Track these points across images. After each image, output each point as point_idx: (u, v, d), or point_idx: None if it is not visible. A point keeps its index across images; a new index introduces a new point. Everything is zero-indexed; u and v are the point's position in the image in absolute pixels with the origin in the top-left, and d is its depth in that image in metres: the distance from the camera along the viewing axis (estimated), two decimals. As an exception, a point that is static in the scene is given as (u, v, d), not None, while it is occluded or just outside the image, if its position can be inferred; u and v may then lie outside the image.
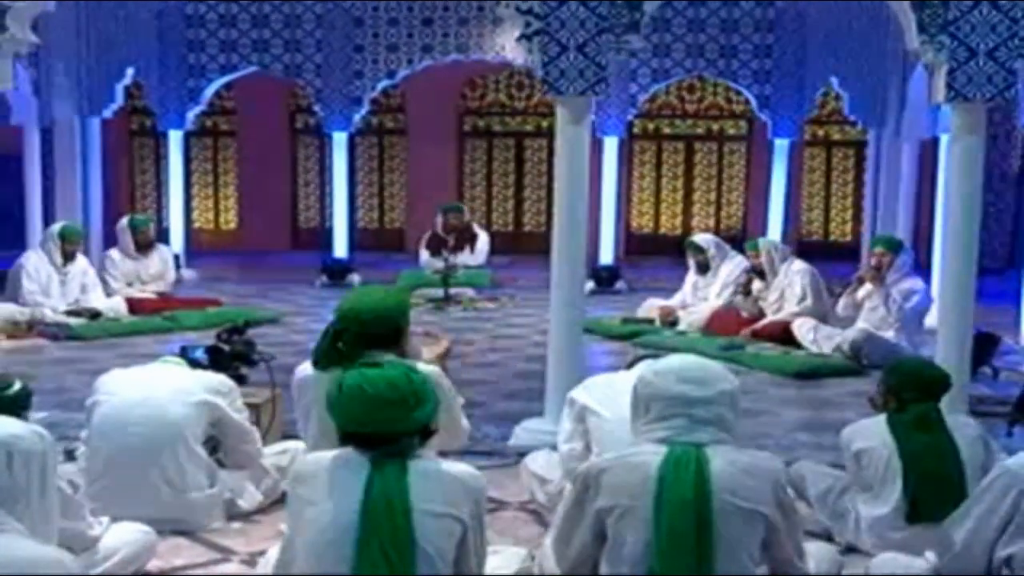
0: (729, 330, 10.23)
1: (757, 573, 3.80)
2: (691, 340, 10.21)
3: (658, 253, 16.24)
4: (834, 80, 13.20)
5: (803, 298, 10.05)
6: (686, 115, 17.13)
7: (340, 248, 14.14)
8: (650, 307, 11.26)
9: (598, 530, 3.85)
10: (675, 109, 17.10)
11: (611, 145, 13.81)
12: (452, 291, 12.37)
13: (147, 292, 11.41)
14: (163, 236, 14.20)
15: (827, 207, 17.05)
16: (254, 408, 6.07)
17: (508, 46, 12.82)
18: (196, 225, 17.40)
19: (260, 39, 13.65)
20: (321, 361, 4.84)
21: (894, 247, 9.51)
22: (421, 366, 4.97)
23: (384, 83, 13.77)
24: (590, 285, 13.62)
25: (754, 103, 13.66)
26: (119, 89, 13.60)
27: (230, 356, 6.03)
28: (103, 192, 13.97)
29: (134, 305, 11.01)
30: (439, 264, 12.57)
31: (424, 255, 13.11)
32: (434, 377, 4.92)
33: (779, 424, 7.53)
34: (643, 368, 4.11)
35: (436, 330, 9.28)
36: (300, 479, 3.74)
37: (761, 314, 10.43)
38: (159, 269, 11.76)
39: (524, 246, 16.76)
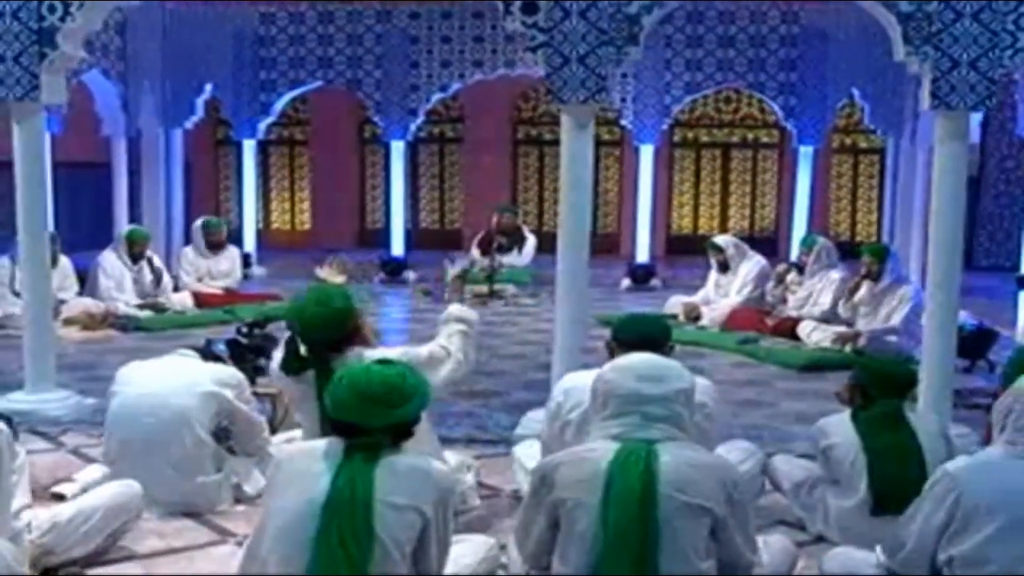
0: (747, 326, 9.94)
1: (703, 567, 3.54)
2: (710, 335, 9.95)
3: (697, 252, 15.87)
4: (855, 92, 12.86)
5: (827, 308, 9.73)
6: (723, 125, 16.81)
7: (397, 247, 13.99)
8: (675, 303, 11.00)
9: (553, 522, 3.64)
10: (713, 119, 16.79)
11: (647, 152, 13.53)
12: (496, 287, 12.19)
13: (214, 287, 11.37)
14: (238, 236, 14.20)
15: (854, 210, 16.64)
16: (270, 398, 5.95)
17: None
18: (274, 226, 17.44)
19: (325, 56, 13.56)
20: (290, 370, 4.67)
21: (880, 255, 9.19)
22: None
23: (438, 96, 13.64)
24: (626, 283, 13.40)
25: (780, 113, 13.31)
26: (199, 103, 13.63)
27: (248, 349, 5.87)
28: (184, 197, 14.00)
29: (201, 299, 10.99)
30: (486, 262, 12.40)
31: (475, 253, 12.91)
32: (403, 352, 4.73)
33: (778, 415, 7.24)
34: (604, 367, 3.88)
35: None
36: (278, 465, 3.59)
37: (784, 303, 10.20)
38: (228, 267, 11.73)
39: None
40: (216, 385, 5.13)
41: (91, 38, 11.89)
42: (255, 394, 5.89)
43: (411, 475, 3.42)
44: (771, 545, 4.04)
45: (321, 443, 3.54)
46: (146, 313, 10.29)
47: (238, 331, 5.97)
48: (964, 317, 9.75)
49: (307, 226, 17.54)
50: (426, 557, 3.45)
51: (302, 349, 4.66)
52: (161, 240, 13.07)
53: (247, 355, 5.79)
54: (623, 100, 13.35)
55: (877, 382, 4.93)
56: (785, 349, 9.21)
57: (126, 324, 9.93)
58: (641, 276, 13.44)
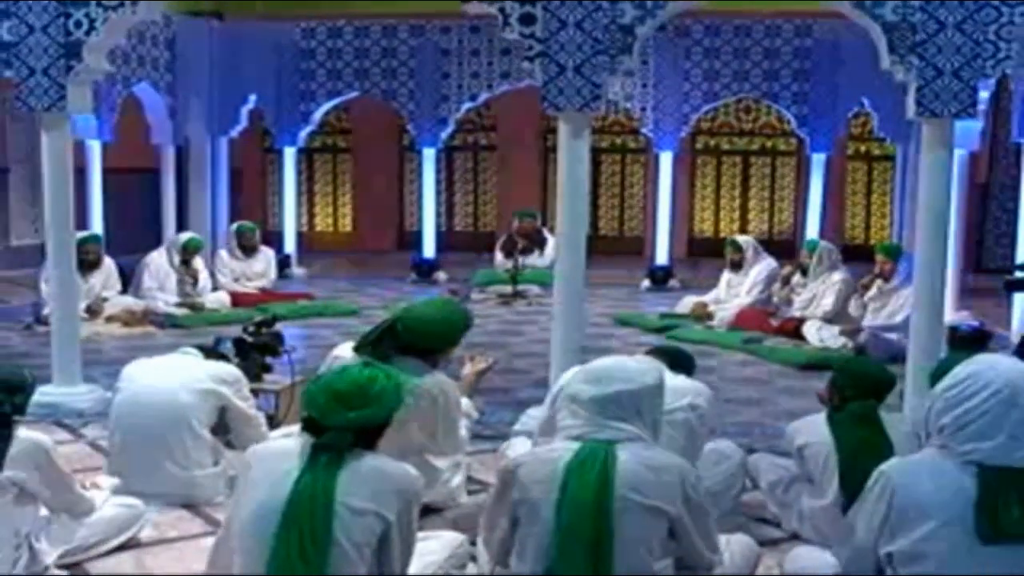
0: (753, 326, 9.74)
1: (658, 567, 3.38)
2: (718, 334, 9.75)
3: (718, 254, 15.60)
4: (865, 101, 12.57)
5: (829, 308, 9.51)
6: (743, 133, 16.52)
7: (428, 249, 13.87)
8: (688, 303, 10.81)
9: (515, 520, 3.51)
10: (733, 128, 16.52)
11: (666, 159, 13.28)
12: (520, 288, 12.03)
13: (250, 288, 11.33)
14: (279, 239, 14.16)
15: (868, 214, 16.35)
16: (275, 394, 5.85)
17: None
18: (318, 228, 17.41)
19: (361, 68, 13.43)
20: (361, 347, 4.59)
21: (893, 255, 9.01)
22: (429, 376, 4.67)
23: (468, 105, 13.48)
24: (646, 283, 13.21)
25: (793, 122, 13.06)
26: (243, 113, 13.55)
27: (254, 347, 5.76)
28: (230, 201, 13.95)
29: (237, 298, 10.93)
30: (509, 264, 12.24)
31: (498, 256, 12.76)
32: (445, 389, 4.66)
33: (773, 413, 7.05)
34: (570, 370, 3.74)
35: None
36: (251, 461, 3.46)
37: (789, 304, 9.97)
38: (263, 268, 11.71)
39: (599, 247, 16.35)
40: (214, 382, 5.05)
41: (143, 53, 12.09)
42: (262, 391, 5.82)
43: (374, 478, 3.28)
44: (733, 544, 3.87)
45: (295, 442, 3.41)
46: (184, 312, 10.24)
47: (244, 330, 5.88)
48: (964, 318, 9.56)
49: (349, 228, 17.45)
50: (388, 558, 3.32)
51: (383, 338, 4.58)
52: (207, 242, 13.02)
53: (252, 353, 5.69)
54: (643, 109, 13.15)
55: (854, 383, 4.76)
56: (787, 348, 9.01)
57: (164, 321, 9.89)
58: (660, 277, 13.24)
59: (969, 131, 10.20)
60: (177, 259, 10.70)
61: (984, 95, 10.06)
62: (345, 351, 4.74)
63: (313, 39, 13.53)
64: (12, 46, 6.66)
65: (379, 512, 3.24)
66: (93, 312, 9.83)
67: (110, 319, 9.83)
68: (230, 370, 5.18)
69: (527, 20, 6.06)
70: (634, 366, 3.60)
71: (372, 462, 3.32)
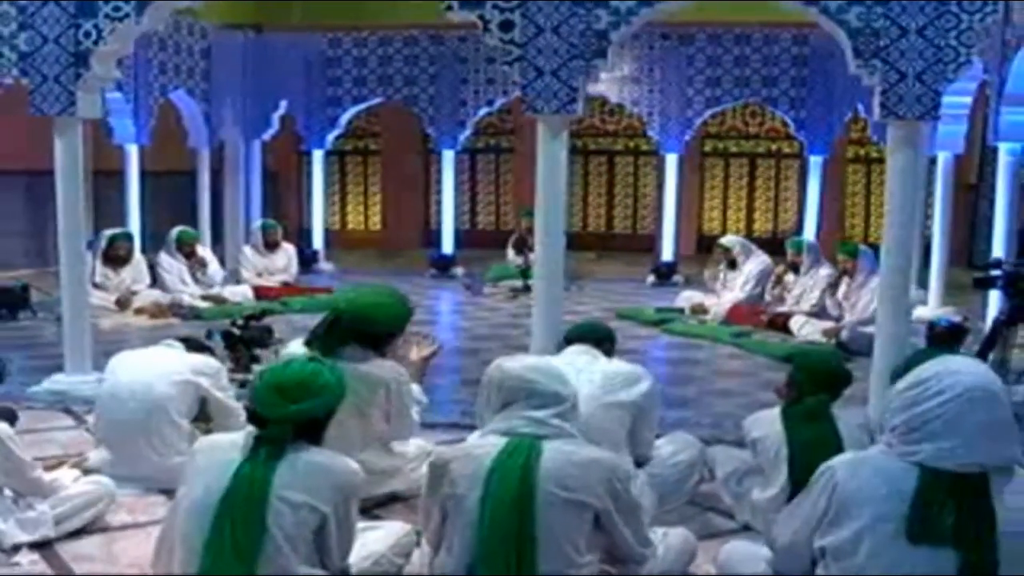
0: (745, 320, 9.49)
1: (582, 562, 3.19)
2: (710, 328, 9.51)
3: (725, 252, 15.41)
4: (860, 106, 12.24)
5: (816, 302, 9.27)
6: (749, 137, 16.26)
7: (447, 246, 13.71)
8: (687, 298, 10.58)
9: (444, 515, 3.33)
10: (740, 131, 16.25)
11: (671, 160, 13.02)
12: (530, 283, 11.81)
13: (272, 282, 11.21)
14: (308, 236, 14.06)
15: (867, 214, 16.03)
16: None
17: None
18: (349, 227, 17.31)
19: (385, 75, 13.29)
20: (313, 343, 4.43)
21: (852, 253, 8.79)
22: (380, 364, 4.51)
23: (485, 109, 13.33)
24: (651, 279, 12.98)
25: (791, 125, 12.78)
26: (275, 118, 13.48)
27: (242, 340, 5.62)
28: (263, 201, 13.87)
29: (260, 292, 10.80)
30: (520, 260, 12.07)
31: (510, 253, 12.60)
32: (398, 375, 4.53)
33: (749, 405, 6.73)
34: (498, 362, 3.54)
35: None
36: (197, 451, 3.31)
37: (782, 301, 9.69)
38: (285, 263, 11.59)
39: (613, 244, 16.33)
40: (193, 374, 4.91)
41: (179, 62, 12.01)
42: (249, 382, 5.66)
43: (312, 472, 3.11)
44: (670, 538, 3.67)
45: (241, 435, 3.26)
46: (207, 305, 10.12)
47: (233, 323, 5.75)
48: (947, 313, 9.28)
49: (379, 227, 17.35)
50: (326, 551, 3.15)
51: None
52: (240, 239, 12.95)
53: (239, 345, 5.55)
54: (650, 113, 12.92)
55: (810, 377, 4.55)
56: (774, 342, 8.74)
57: (187, 314, 9.78)
58: (664, 273, 13.00)
59: (954, 135, 9.96)
60: (176, 253, 10.52)
61: (967, 100, 9.84)
62: (297, 347, 4.57)
63: (339, 48, 13.41)
64: (28, 55, 6.56)
65: (314, 505, 3.08)
66: (122, 304, 9.75)
67: (139, 311, 9.74)
68: (209, 362, 5.04)
69: (506, 26, 5.87)
70: (560, 369, 3.44)
71: (312, 456, 3.16)
